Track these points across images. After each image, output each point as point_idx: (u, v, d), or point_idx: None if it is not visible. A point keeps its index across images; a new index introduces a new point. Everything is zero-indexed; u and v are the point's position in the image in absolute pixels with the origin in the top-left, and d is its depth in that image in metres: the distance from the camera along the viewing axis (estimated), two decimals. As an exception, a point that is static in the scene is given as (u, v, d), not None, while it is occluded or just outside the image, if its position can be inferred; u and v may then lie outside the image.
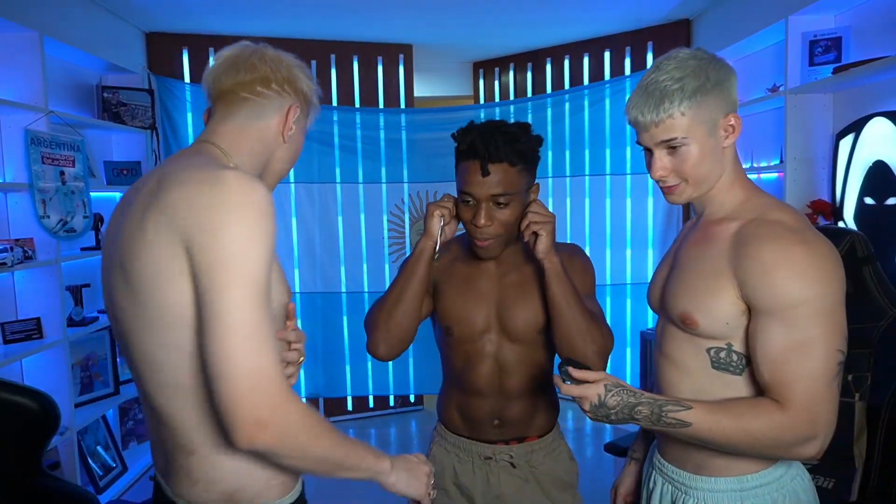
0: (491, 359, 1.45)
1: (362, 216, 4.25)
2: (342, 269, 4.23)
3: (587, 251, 4.26)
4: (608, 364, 1.46)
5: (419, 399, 4.56)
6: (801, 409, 1.03)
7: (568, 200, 4.28)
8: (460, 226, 1.47)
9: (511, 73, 4.75)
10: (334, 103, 4.24)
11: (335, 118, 4.17)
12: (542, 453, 1.49)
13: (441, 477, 1.49)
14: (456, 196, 1.43)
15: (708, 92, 1.12)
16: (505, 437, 1.48)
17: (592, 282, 1.52)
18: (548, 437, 1.51)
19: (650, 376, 3.09)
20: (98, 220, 3.28)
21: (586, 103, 4.17)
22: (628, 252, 4.20)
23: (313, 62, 4.17)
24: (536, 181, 1.44)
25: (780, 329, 1.04)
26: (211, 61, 1.08)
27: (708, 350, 1.15)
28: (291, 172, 4.07)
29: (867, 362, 1.90)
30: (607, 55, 4.25)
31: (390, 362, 4.32)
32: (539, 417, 1.49)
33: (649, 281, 1.33)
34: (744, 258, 1.07)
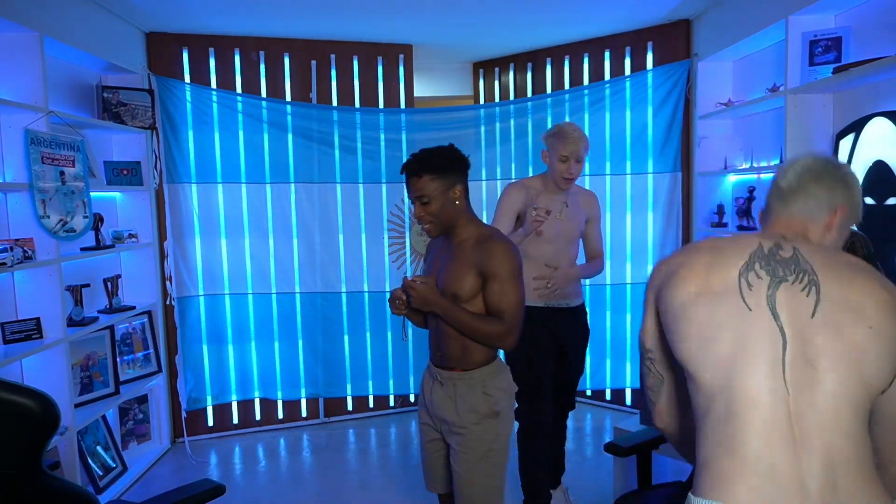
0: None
1: (362, 216, 4.26)
2: (342, 269, 4.23)
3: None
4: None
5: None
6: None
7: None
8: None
9: (511, 73, 4.75)
10: (334, 103, 4.24)
11: (335, 118, 4.17)
12: (462, 383, 2.03)
13: (420, 388, 2.20)
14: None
15: None
16: (443, 364, 2.07)
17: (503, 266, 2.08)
18: (471, 373, 2.03)
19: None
20: (98, 219, 3.27)
21: (586, 103, 4.17)
22: (628, 251, 4.20)
23: (313, 62, 4.18)
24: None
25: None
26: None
27: None
28: (291, 173, 4.10)
29: None
30: (607, 55, 4.25)
31: (390, 362, 4.35)
32: (467, 358, 2.03)
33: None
34: None
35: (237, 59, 4.04)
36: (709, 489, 1.11)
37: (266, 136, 4.05)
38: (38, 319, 2.82)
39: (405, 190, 2.05)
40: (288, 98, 4.13)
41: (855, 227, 2.08)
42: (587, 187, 4.25)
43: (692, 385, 1.18)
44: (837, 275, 1.14)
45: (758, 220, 1.39)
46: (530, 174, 4.32)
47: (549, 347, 2.81)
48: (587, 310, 3.07)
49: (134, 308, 3.58)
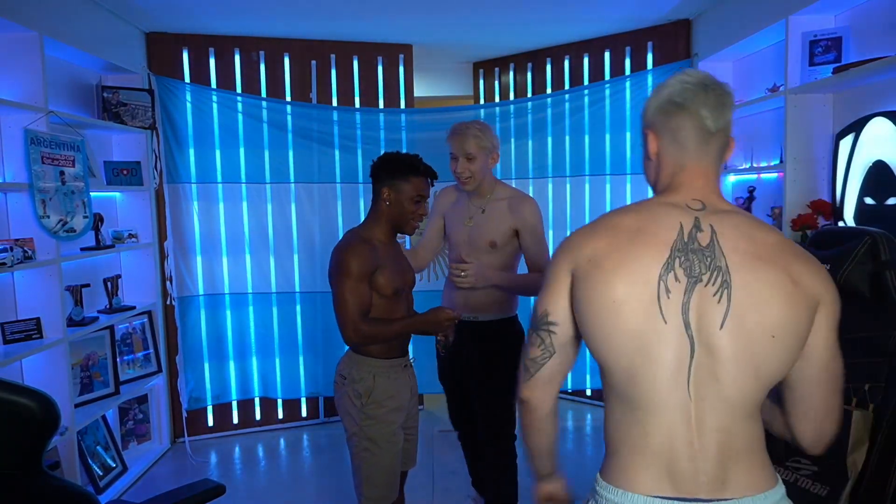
0: (407, 302, 2.31)
1: (362, 216, 4.24)
2: (342, 269, 4.22)
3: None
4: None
5: (419, 399, 4.54)
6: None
7: (568, 201, 4.28)
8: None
9: (511, 73, 4.75)
10: (334, 103, 4.23)
11: (335, 118, 4.16)
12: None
13: (394, 390, 2.26)
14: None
15: None
16: (404, 352, 2.32)
17: None
18: None
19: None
20: (98, 219, 3.27)
21: (586, 103, 4.17)
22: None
23: (313, 62, 4.17)
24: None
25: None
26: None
27: None
28: (291, 173, 4.10)
29: (884, 372, 1.82)
30: (607, 55, 4.24)
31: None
32: None
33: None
34: None
35: (237, 59, 4.04)
36: (614, 477, 1.20)
37: (266, 136, 4.04)
38: (38, 319, 2.82)
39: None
40: (288, 98, 4.13)
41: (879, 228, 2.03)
42: (587, 188, 4.27)
43: (606, 373, 1.20)
44: (749, 273, 1.11)
45: (645, 170, 1.29)
46: (530, 174, 4.34)
47: (446, 361, 2.78)
48: (517, 327, 2.66)
49: (134, 308, 3.58)
